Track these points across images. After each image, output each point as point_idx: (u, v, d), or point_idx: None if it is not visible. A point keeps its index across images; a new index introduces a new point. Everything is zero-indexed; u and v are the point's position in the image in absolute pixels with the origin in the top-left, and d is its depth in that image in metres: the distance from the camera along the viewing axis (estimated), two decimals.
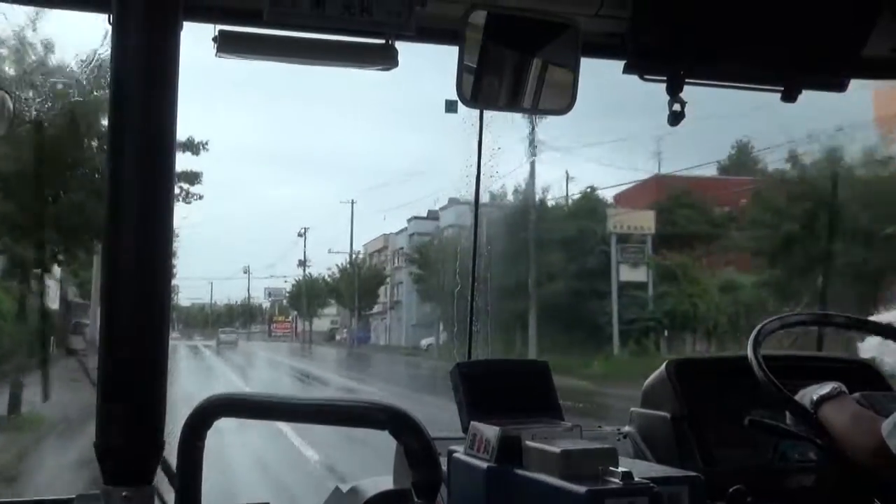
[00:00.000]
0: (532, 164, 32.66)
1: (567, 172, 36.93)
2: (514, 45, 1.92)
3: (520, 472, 1.48)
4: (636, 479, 1.37)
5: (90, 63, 18.07)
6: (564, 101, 1.94)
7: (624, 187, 37.61)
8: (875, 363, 2.34)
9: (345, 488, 2.07)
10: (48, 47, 18.67)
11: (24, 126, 15.11)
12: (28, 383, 15.07)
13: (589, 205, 35.41)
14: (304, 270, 75.09)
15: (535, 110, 1.99)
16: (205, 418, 1.30)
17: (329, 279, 69.93)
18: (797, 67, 1.98)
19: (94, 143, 19.65)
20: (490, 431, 1.56)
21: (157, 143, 1.26)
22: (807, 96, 2.00)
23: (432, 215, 49.65)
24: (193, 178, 23.80)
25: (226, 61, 1.71)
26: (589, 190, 36.20)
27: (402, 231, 57.36)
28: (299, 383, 28.96)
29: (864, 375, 2.25)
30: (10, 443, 13.07)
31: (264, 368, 38.85)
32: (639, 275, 33.31)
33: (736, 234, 32.05)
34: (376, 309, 63.73)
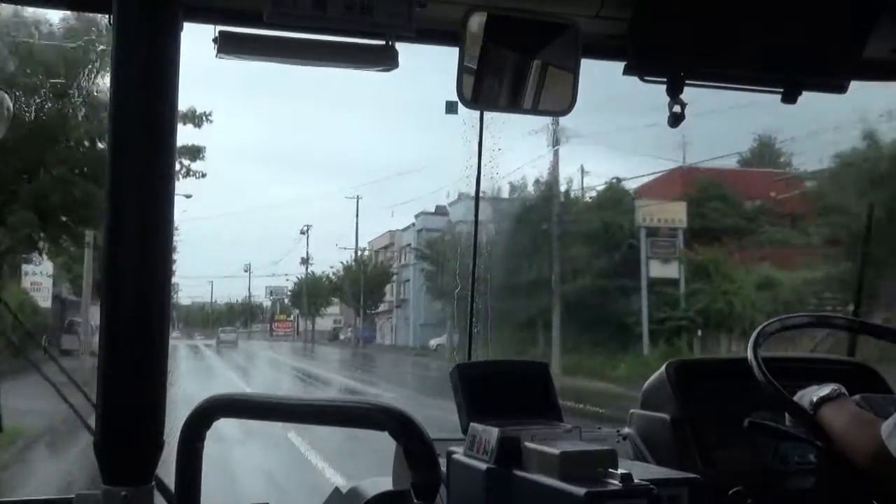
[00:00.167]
0: (555, 153, 31.32)
1: (582, 167, 35.21)
2: (515, 47, 1.92)
3: (519, 473, 1.49)
4: (636, 480, 1.37)
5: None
6: (565, 103, 1.94)
7: (646, 179, 35.89)
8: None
9: (344, 489, 2.07)
10: None
11: None
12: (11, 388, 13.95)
13: (615, 196, 33.72)
14: (307, 268, 75.06)
15: (536, 111, 1.99)
16: (204, 418, 1.31)
17: (333, 276, 69.43)
18: (797, 68, 1.98)
19: (81, 110, 16.97)
20: (490, 433, 1.56)
21: (157, 143, 1.26)
22: None
23: (440, 210, 48.45)
24: (195, 153, 20.94)
25: (226, 60, 1.71)
26: (614, 181, 34.49)
27: (409, 227, 56.55)
28: (305, 385, 28.26)
29: (863, 377, 2.26)
30: None
31: (265, 368, 38.76)
32: (670, 270, 31.36)
33: (770, 228, 30.43)
34: (382, 308, 62.91)
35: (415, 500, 1.14)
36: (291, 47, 1.70)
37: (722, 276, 30.41)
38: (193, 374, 29.35)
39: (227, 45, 1.66)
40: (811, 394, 1.89)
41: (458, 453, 1.63)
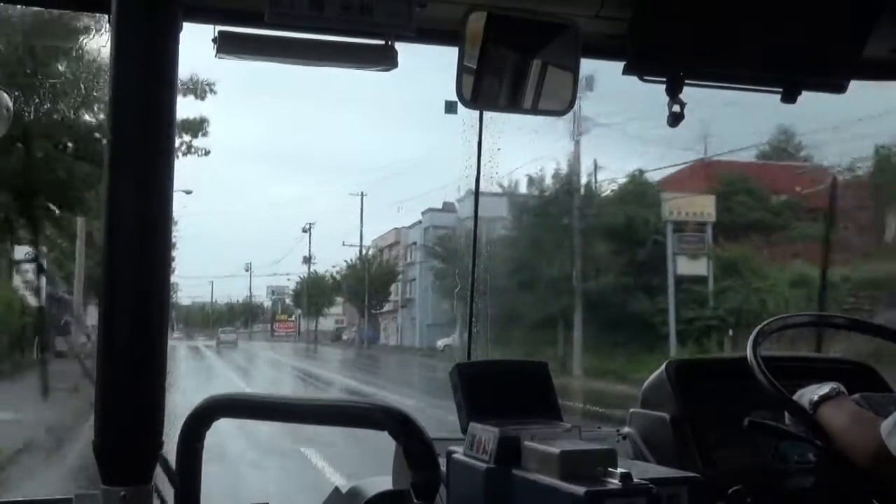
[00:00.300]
0: (577, 144, 29.75)
1: (595, 161, 32.67)
2: (514, 46, 1.93)
3: (519, 472, 1.49)
4: (635, 480, 1.37)
5: None
6: (564, 102, 1.95)
7: (668, 171, 33.45)
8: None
9: (344, 489, 2.07)
10: None
11: None
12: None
13: (638, 189, 31.72)
14: (310, 267, 74.54)
15: (535, 111, 1.99)
16: (204, 418, 1.31)
17: (336, 276, 68.23)
18: (797, 68, 1.98)
19: (63, 65, 13.96)
20: (489, 432, 1.56)
21: (157, 143, 1.26)
22: None
23: (448, 207, 46.40)
24: (197, 127, 17.94)
25: (226, 60, 1.72)
26: (637, 172, 32.27)
27: (415, 224, 54.89)
28: (311, 387, 27.60)
29: (863, 376, 2.26)
30: None
31: (267, 369, 38.69)
32: (698, 267, 29.30)
33: (798, 223, 28.64)
34: (387, 307, 61.42)
35: (414, 500, 1.14)
36: (291, 47, 1.70)
37: (752, 272, 28.78)
38: (193, 374, 29.33)
39: (227, 45, 1.66)
40: (811, 393, 1.89)
41: (458, 453, 1.63)
